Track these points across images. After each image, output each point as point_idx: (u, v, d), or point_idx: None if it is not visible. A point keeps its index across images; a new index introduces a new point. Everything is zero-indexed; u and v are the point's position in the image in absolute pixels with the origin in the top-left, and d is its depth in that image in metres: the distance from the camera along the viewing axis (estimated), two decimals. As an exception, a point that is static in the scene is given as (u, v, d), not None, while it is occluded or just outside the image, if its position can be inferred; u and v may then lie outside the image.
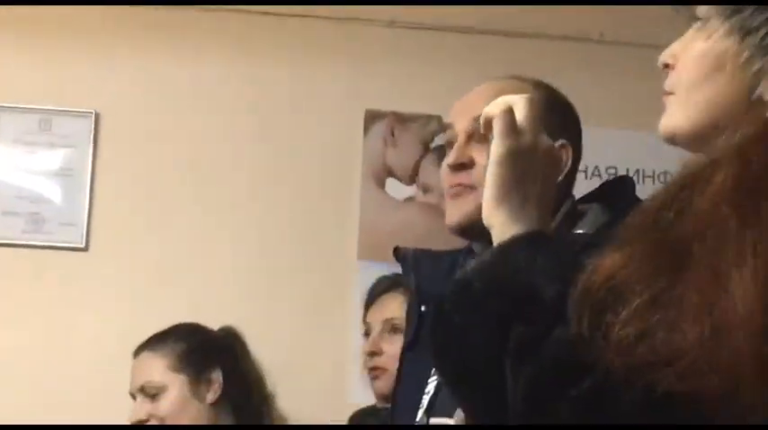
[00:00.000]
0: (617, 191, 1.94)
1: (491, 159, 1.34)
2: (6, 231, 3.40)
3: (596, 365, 0.99)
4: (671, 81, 1.25)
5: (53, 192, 3.45)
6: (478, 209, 1.71)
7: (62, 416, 3.22)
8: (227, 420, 3.03)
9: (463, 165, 1.93)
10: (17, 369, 3.31)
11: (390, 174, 3.56)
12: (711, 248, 0.95)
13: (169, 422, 2.96)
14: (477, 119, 1.80)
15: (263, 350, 3.18)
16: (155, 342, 3.04)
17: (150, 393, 2.99)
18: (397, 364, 2.28)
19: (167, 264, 3.43)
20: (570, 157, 1.92)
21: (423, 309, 2.06)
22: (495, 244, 1.29)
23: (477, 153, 1.91)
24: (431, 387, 2.00)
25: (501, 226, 1.31)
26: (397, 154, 3.57)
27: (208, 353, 3.07)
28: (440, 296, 2.01)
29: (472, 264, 1.25)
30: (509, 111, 1.34)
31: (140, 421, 2.98)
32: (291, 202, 3.50)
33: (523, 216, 1.30)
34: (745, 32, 1.16)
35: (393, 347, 2.83)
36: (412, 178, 3.57)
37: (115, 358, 3.09)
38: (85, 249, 3.42)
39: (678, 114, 1.21)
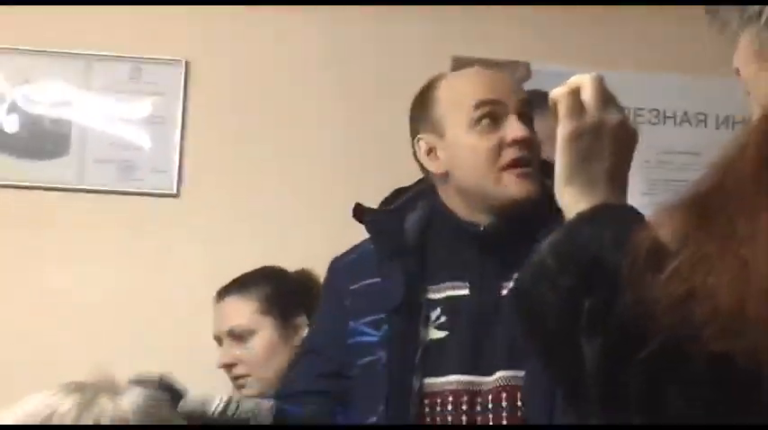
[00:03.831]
0: None
1: (558, 141, 1.36)
2: (99, 178, 3.47)
3: (660, 328, 1.03)
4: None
5: (144, 139, 3.50)
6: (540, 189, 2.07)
7: (152, 359, 3.27)
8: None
9: (529, 140, 2.12)
10: (109, 315, 3.38)
11: (477, 121, 3.56)
12: (744, 221, 1.01)
13: (258, 366, 2.95)
14: (523, 99, 2.17)
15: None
16: (240, 285, 3.05)
17: (239, 337, 3.00)
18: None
19: (256, 209, 3.46)
20: None
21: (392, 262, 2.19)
22: (566, 221, 1.32)
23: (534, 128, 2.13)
24: (421, 348, 2.11)
25: (570, 205, 1.33)
26: (483, 101, 3.56)
27: (293, 296, 3.06)
28: (406, 251, 2.18)
29: (544, 242, 1.27)
30: (572, 93, 1.36)
31: (228, 365, 3.00)
32: (377, 152, 3.51)
33: (591, 193, 1.32)
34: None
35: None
36: (499, 125, 3.57)
37: (206, 302, 3.13)
38: (177, 195, 3.47)
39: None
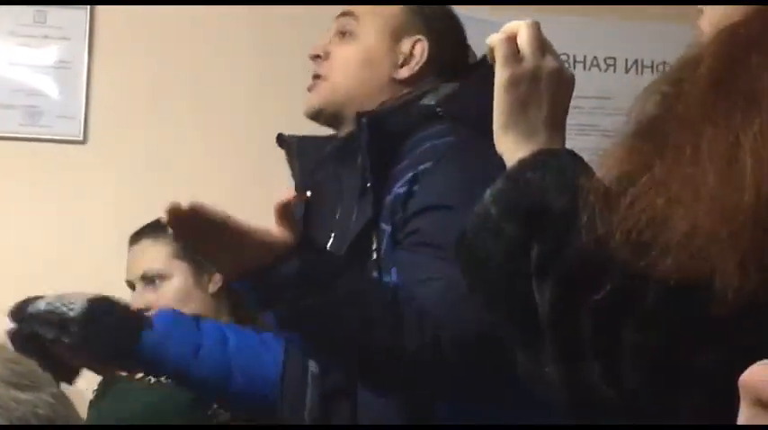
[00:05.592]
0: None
1: (495, 88, 1.35)
2: (3, 125, 3.40)
3: (613, 267, 1.03)
4: None
5: (50, 85, 3.43)
6: (329, 96, 2.14)
7: (64, 307, 3.24)
8: (225, 312, 3.02)
9: (319, 57, 2.18)
10: (17, 263, 3.32)
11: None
12: (690, 140, 1.00)
13: (171, 311, 2.95)
14: (338, 16, 2.20)
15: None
16: (154, 229, 3.01)
17: (152, 281, 2.96)
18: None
19: (165, 154, 3.43)
20: (426, 50, 2.14)
21: (309, 194, 2.25)
22: (507, 169, 1.31)
23: (334, 47, 2.18)
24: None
25: (510, 152, 1.32)
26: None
27: None
28: (321, 181, 2.22)
29: (488, 192, 1.26)
30: (509, 39, 1.35)
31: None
32: (292, 94, 3.47)
33: (530, 140, 1.32)
34: None
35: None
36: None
37: (116, 249, 3.09)
38: (83, 142, 3.41)
39: None
